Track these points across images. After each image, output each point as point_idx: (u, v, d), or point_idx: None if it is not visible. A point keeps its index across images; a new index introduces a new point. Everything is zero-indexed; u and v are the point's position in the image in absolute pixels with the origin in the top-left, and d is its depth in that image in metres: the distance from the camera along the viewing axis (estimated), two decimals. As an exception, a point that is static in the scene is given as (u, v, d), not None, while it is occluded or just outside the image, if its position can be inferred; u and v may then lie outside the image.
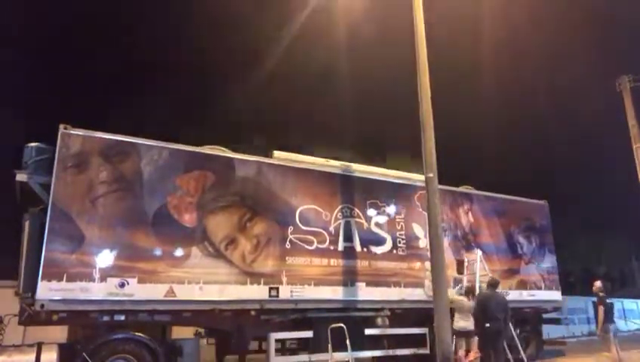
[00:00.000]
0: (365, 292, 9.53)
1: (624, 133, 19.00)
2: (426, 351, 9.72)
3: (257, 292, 8.44)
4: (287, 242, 9.01)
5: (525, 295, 12.15)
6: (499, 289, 9.14)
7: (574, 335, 21.52)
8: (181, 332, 8.90)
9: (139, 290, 7.46)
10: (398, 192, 10.76)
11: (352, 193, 10.13)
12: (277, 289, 8.63)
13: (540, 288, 12.55)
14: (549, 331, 14.31)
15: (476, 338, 9.03)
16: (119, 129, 8.13)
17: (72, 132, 7.53)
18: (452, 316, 8.61)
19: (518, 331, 11.59)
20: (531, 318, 12.33)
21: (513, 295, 11.84)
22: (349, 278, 9.46)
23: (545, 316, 12.91)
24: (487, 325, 8.30)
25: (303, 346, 9.03)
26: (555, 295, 12.91)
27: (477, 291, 9.66)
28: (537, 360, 11.88)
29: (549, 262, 13.08)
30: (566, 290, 14.49)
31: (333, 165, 10.29)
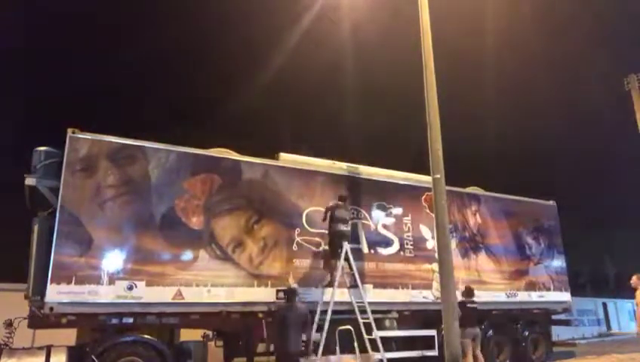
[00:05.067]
0: (373, 294, 9.50)
1: (632, 132, 18.85)
2: (434, 352, 9.68)
3: (265, 294, 8.44)
4: (294, 244, 9.02)
5: (534, 296, 12.07)
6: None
7: (584, 337, 21.34)
8: (189, 335, 8.90)
9: (147, 293, 7.49)
10: (404, 194, 10.73)
11: (359, 195, 10.12)
12: (284, 291, 8.62)
13: (549, 289, 12.45)
14: (558, 332, 14.20)
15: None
16: (124, 131, 8.17)
17: (80, 136, 7.58)
18: None
19: (527, 332, 11.56)
20: (540, 319, 12.24)
21: (522, 296, 11.79)
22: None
23: (554, 317, 12.81)
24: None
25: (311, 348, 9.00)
26: (565, 296, 12.80)
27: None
28: (547, 361, 11.80)
29: (557, 263, 12.98)
30: (576, 291, 14.36)
31: (340, 167, 10.28)
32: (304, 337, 7.21)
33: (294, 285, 8.19)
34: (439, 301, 8.30)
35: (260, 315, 8.42)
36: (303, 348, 7.22)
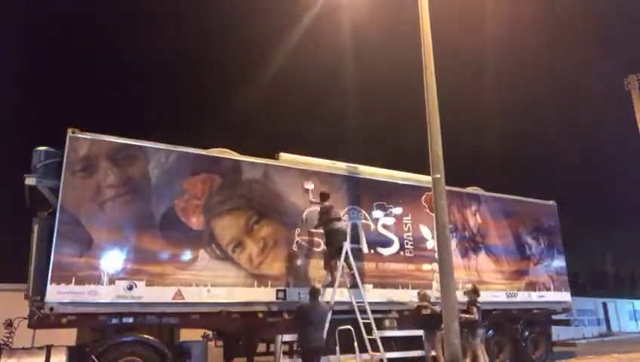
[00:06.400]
0: (373, 294, 9.50)
1: (632, 132, 18.86)
2: (434, 352, 9.66)
3: (265, 294, 8.45)
4: (294, 244, 9.02)
5: (534, 296, 12.07)
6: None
7: (584, 337, 21.34)
8: (189, 335, 8.90)
9: (147, 293, 7.49)
10: (405, 194, 10.73)
11: (359, 195, 10.12)
12: (284, 291, 8.63)
13: (549, 289, 12.45)
14: (558, 332, 14.20)
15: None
16: (125, 131, 8.16)
17: (79, 136, 7.58)
18: None
19: (527, 332, 11.55)
20: (540, 319, 12.23)
21: (522, 296, 11.78)
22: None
23: (554, 317, 12.81)
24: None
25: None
26: (565, 296, 12.80)
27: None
28: (547, 361, 11.80)
29: (558, 263, 12.97)
30: (576, 291, 14.36)
31: (340, 167, 10.27)
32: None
33: (317, 285, 8.13)
34: (439, 301, 8.30)
35: (260, 315, 8.43)
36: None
